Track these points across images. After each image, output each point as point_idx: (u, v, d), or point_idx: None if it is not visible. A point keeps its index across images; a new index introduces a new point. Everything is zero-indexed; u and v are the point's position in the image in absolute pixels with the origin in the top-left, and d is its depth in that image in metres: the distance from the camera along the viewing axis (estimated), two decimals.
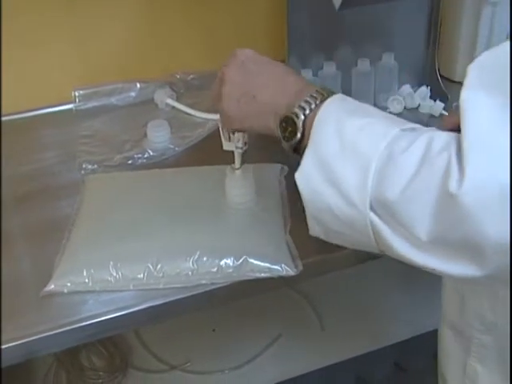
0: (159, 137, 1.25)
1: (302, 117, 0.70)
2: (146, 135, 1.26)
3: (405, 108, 1.32)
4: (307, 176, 0.67)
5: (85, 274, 0.90)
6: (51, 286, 0.90)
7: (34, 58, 1.37)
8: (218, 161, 1.03)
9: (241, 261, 0.90)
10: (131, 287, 0.90)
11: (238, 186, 0.99)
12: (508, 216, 0.52)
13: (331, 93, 0.72)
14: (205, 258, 0.90)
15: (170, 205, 1.01)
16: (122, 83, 1.40)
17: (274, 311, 1.52)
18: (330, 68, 1.27)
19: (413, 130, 0.63)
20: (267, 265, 0.90)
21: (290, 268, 0.89)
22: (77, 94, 1.38)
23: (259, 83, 0.77)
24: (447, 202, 0.55)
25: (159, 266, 0.90)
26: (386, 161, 0.60)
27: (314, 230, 0.73)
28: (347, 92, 1.31)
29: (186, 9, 1.44)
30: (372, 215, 0.62)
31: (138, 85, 1.41)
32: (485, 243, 0.54)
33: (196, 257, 0.91)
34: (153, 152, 1.23)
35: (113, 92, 1.40)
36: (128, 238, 0.95)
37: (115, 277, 0.90)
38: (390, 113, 1.31)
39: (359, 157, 0.62)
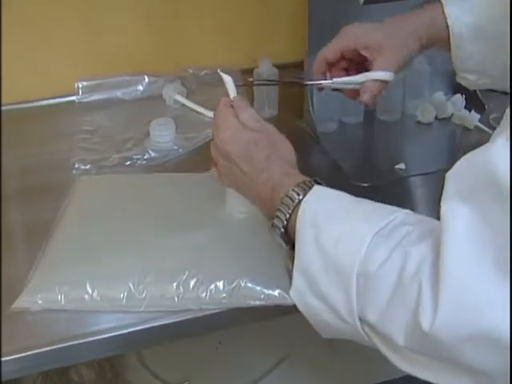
0: (162, 136, 1.14)
1: (281, 225, 0.73)
2: (148, 134, 1.16)
3: (436, 118, 1.20)
4: (299, 292, 0.71)
5: (58, 290, 0.80)
6: (21, 302, 0.80)
7: (38, 45, 1.29)
8: None
9: (234, 285, 0.79)
10: (109, 308, 0.80)
11: None
12: (487, 351, 0.53)
13: (307, 186, 0.72)
14: (193, 281, 0.80)
15: (161, 215, 0.91)
16: (129, 76, 1.31)
17: (282, 329, 1.39)
18: None
19: (388, 234, 0.63)
20: (263, 290, 0.78)
21: (288, 295, 0.77)
22: (80, 85, 1.29)
23: (242, 183, 0.79)
24: (421, 333, 0.56)
25: (141, 287, 0.80)
26: (364, 281, 0.62)
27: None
28: None
29: (202, 3, 1.33)
30: (363, 326, 0.65)
31: (147, 78, 1.31)
32: (464, 367, 0.55)
33: (184, 278, 0.80)
34: (154, 153, 1.12)
35: (119, 85, 1.30)
36: (110, 252, 0.85)
37: (91, 296, 0.80)
38: (419, 122, 1.19)
39: (340, 275, 0.64)
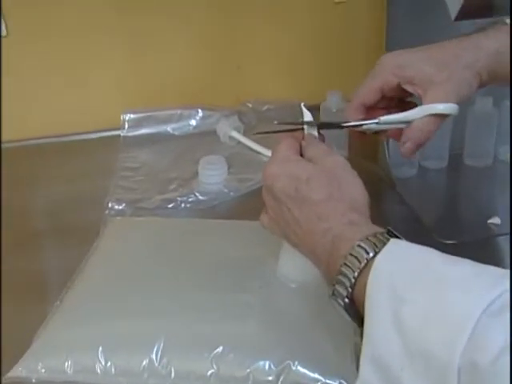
0: (212, 177, 1.00)
1: (345, 294, 0.53)
2: (197, 174, 1.01)
3: None
4: None
5: (64, 357, 0.65)
6: (18, 370, 0.65)
7: (82, 75, 1.18)
8: None
9: (282, 366, 0.62)
10: None
11: (298, 255, 0.68)
12: None
13: (379, 241, 0.53)
14: (231, 356, 0.63)
15: (200, 270, 0.75)
16: (181, 109, 1.19)
17: None
18: None
19: (500, 310, 0.44)
20: (319, 378, 0.61)
21: None
22: (126, 118, 1.17)
23: (293, 232, 0.61)
24: None
25: (165, 360, 0.64)
26: (470, 380, 0.43)
27: None
28: (459, 138, 1.01)
29: (266, 29, 1.21)
30: None
31: (201, 112, 1.19)
32: None
33: (219, 352, 0.63)
34: (201, 196, 0.98)
35: (169, 119, 1.18)
36: (133, 312, 0.69)
37: (104, 367, 0.64)
38: None
39: (431, 369, 0.45)
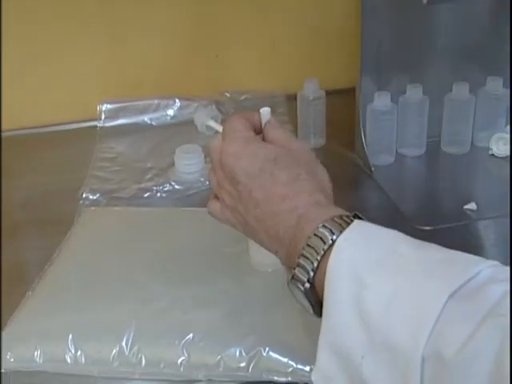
0: (188, 166, 0.99)
1: (306, 278, 0.50)
2: (173, 163, 1.00)
3: None
4: (326, 377, 0.48)
5: (34, 346, 0.64)
6: None
7: (58, 64, 1.16)
8: None
9: (253, 353, 0.61)
10: (95, 373, 0.63)
11: None
12: None
13: (344, 222, 0.49)
14: (201, 343, 0.62)
15: (173, 259, 0.74)
16: (158, 99, 1.18)
17: None
18: (415, 92, 0.98)
19: (471, 296, 0.42)
20: (291, 363, 0.60)
21: None
22: (103, 108, 1.15)
23: (254, 217, 0.56)
24: None
25: (136, 348, 0.63)
26: (434, 371, 0.41)
27: None
28: (437, 125, 1.01)
29: (245, 17, 1.20)
30: None
31: (178, 102, 1.17)
32: None
33: (189, 339, 0.62)
34: (177, 185, 0.97)
35: (146, 109, 1.17)
36: (103, 300, 0.69)
37: (74, 356, 0.63)
38: (492, 156, 1.01)
39: (394, 359, 0.43)
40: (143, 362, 0.62)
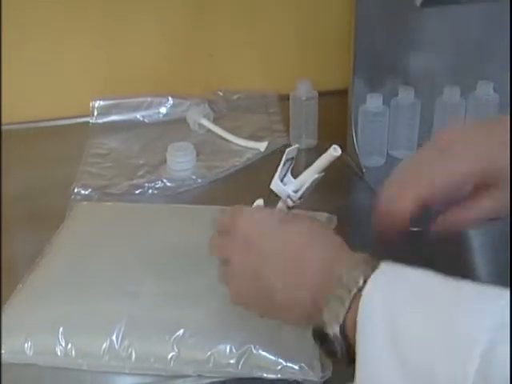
0: (180, 164, 0.99)
1: (336, 327, 0.48)
2: (165, 160, 1.00)
3: None
4: None
5: (24, 339, 0.64)
6: None
7: (51, 61, 1.17)
8: (248, 200, 0.70)
9: (243, 350, 0.62)
10: (85, 367, 0.63)
11: None
12: None
13: (368, 268, 0.49)
14: (192, 339, 0.63)
15: (162, 254, 0.74)
16: (151, 96, 1.17)
17: None
18: (406, 95, 0.99)
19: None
20: (280, 361, 0.60)
21: (313, 371, 0.60)
22: (96, 105, 1.15)
23: (269, 274, 0.55)
24: None
25: (126, 343, 0.63)
26: None
27: None
28: (426, 130, 1.02)
29: (239, 17, 1.20)
30: None
31: (171, 100, 1.17)
32: None
33: (180, 335, 0.63)
34: (169, 182, 0.97)
35: (139, 106, 1.17)
36: (94, 294, 0.69)
37: (64, 349, 0.64)
38: None
39: None
40: (133, 356, 0.63)
